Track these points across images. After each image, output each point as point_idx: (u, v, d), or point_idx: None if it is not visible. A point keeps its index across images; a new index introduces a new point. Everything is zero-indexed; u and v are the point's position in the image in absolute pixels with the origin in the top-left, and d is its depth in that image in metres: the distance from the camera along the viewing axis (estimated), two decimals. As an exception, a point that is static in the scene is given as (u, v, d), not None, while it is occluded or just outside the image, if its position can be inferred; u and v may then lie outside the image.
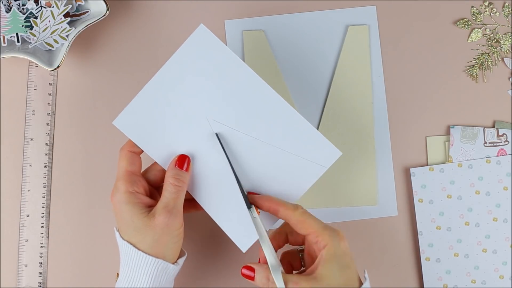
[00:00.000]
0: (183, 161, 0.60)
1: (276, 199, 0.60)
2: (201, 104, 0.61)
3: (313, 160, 0.62)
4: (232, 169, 0.60)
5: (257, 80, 0.61)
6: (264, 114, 0.61)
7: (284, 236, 0.62)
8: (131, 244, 0.58)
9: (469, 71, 0.72)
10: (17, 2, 0.67)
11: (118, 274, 0.60)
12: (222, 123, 0.61)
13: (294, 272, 0.62)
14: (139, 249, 0.57)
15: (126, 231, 0.58)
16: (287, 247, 0.63)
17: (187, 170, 0.60)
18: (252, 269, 0.58)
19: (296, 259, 0.62)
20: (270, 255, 0.57)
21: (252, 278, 0.58)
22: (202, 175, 0.61)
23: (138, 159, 0.61)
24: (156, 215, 0.57)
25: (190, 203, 0.62)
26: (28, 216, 0.70)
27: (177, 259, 0.60)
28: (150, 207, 0.59)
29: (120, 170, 0.60)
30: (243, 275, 0.58)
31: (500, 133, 0.70)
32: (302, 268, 0.62)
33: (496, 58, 0.72)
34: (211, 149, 0.61)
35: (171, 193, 0.58)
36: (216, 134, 0.61)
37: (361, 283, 0.57)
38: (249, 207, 0.59)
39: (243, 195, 0.60)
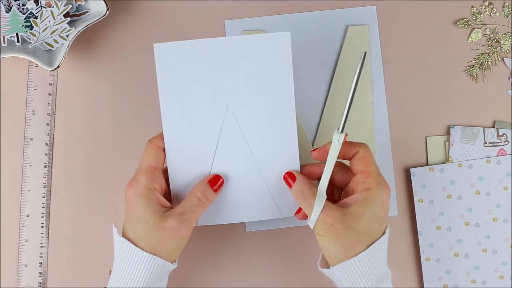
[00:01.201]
0: (216, 181, 0.60)
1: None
2: (220, 91, 0.60)
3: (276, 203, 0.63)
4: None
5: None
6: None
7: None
8: (130, 239, 0.57)
9: (469, 71, 0.72)
10: (17, 2, 0.67)
11: (111, 271, 0.60)
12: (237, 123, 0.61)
13: None
14: (137, 245, 0.57)
15: (133, 224, 0.58)
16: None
17: (216, 191, 0.60)
18: (293, 178, 0.59)
19: (337, 191, 0.63)
20: (326, 181, 0.57)
21: (290, 186, 0.59)
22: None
23: (163, 156, 0.61)
24: (169, 218, 0.57)
25: None
26: (28, 216, 0.70)
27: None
28: (163, 208, 0.58)
29: (143, 163, 0.59)
30: (284, 178, 0.60)
31: (500, 133, 0.70)
32: None
33: (496, 58, 0.72)
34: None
35: (192, 205, 0.58)
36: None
37: None
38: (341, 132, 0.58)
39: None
